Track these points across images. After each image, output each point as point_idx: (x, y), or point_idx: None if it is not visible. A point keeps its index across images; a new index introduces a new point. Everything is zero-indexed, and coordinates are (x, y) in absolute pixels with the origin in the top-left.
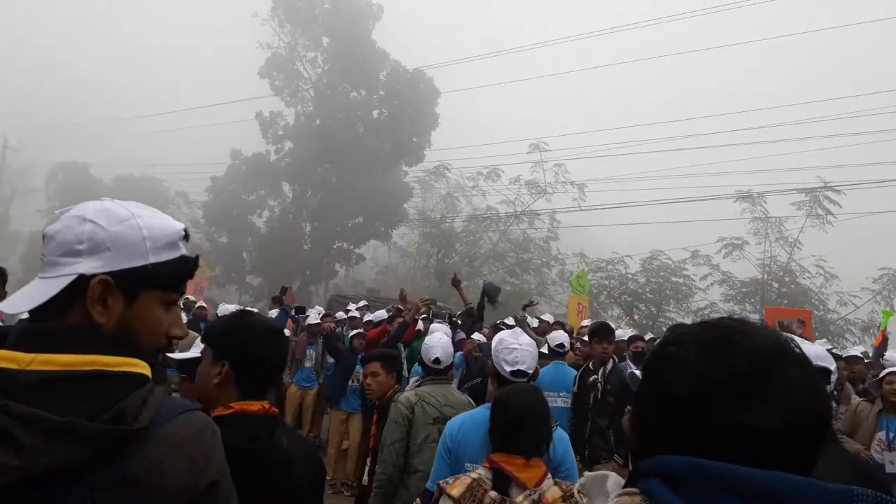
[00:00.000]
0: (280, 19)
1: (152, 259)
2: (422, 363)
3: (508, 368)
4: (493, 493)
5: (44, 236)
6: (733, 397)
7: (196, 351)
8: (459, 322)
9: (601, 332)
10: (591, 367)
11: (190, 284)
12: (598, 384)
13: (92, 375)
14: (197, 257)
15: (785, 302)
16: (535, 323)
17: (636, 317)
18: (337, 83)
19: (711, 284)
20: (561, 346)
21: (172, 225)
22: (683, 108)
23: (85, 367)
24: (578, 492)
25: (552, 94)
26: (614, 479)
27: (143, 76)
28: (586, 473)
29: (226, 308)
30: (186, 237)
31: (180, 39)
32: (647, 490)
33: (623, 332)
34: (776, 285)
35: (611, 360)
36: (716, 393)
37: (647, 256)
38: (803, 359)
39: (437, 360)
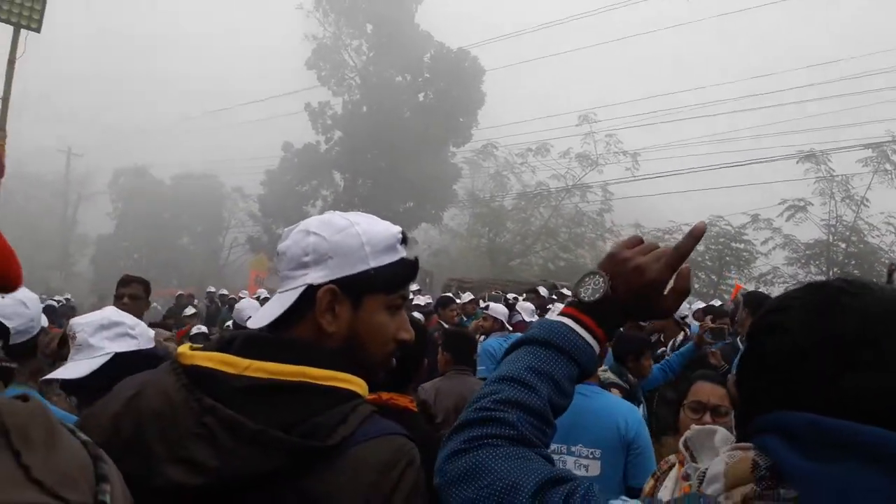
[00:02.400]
0: (324, 9)
1: (373, 263)
2: None
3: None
4: None
5: (277, 254)
6: (840, 362)
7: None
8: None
9: None
10: (660, 339)
11: (251, 275)
12: (667, 356)
13: (297, 387)
14: (416, 259)
15: (852, 262)
16: None
17: (696, 285)
18: (382, 69)
19: (773, 248)
20: None
21: (389, 229)
22: (740, 69)
23: (291, 378)
24: (684, 446)
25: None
26: (722, 434)
27: (192, 75)
28: (693, 427)
29: None
30: (405, 240)
31: (225, 38)
32: (762, 445)
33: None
34: (843, 245)
35: (682, 332)
36: (820, 359)
37: (706, 223)
38: None
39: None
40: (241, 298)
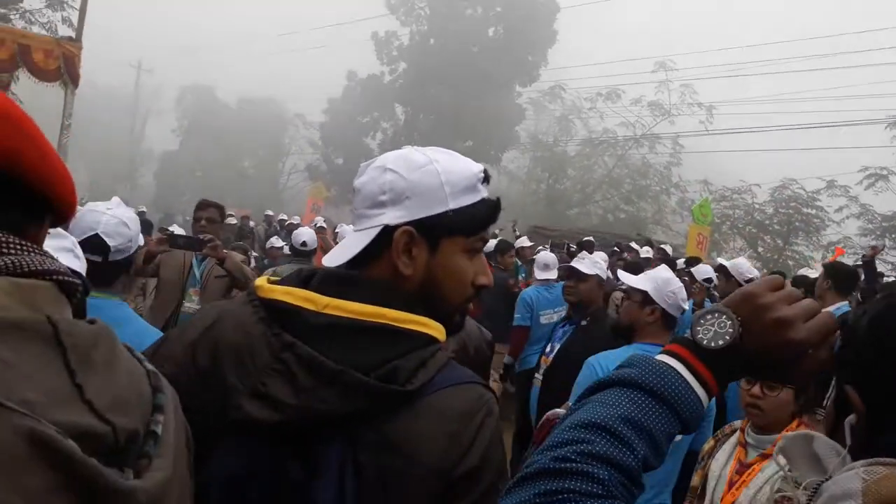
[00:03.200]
0: None
1: (452, 205)
2: None
3: (685, 307)
4: None
5: (354, 189)
6: None
7: None
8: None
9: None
10: None
11: (308, 203)
12: None
13: (376, 328)
14: (498, 199)
15: None
16: (649, 253)
17: (760, 249)
18: (453, 0)
19: (847, 217)
20: (708, 280)
21: (470, 167)
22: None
23: (371, 319)
24: (777, 454)
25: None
26: (824, 442)
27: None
28: (785, 434)
29: (344, 230)
30: (486, 179)
31: None
32: None
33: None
34: None
35: None
36: None
37: (778, 185)
38: None
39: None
40: (297, 224)
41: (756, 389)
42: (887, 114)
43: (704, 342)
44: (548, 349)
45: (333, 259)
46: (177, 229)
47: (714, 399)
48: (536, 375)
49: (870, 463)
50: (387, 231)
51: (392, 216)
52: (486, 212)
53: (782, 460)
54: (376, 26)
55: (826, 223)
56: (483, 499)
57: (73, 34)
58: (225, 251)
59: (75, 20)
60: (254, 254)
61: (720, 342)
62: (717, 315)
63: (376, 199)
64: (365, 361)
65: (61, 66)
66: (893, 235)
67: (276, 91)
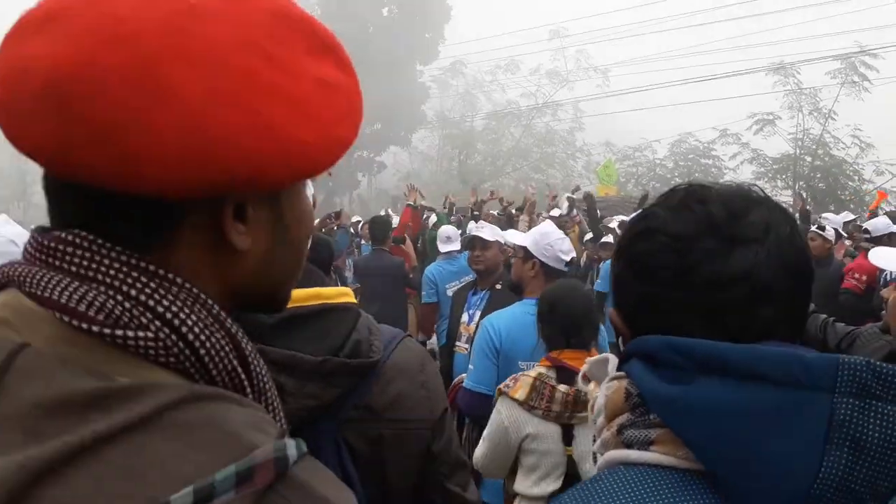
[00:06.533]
0: None
1: None
2: None
3: (565, 258)
4: (562, 387)
5: None
6: (713, 245)
7: None
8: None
9: None
10: None
11: None
12: None
13: (321, 310)
14: None
15: (818, 175)
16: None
17: None
18: None
19: (741, 163)
20: None
21: None
22: None
23: (313, 302)
24: (583, 376)
25: None
26: (614, 362)
27: None
28: (588, 359)
29: None
30: None
31: None
32: (629, 372)
33: None
34: (809, 159)
35: None
36: (695, 245)
37: (676, 140)
38: (773, 201)
39: None
40: None
41: None
42: (769, 61)
43: None
44: (465, 318)
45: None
46: None
47: None
48: (458, 344)
49: (610, 378)
50: None
51: None
52: None
53: (586, 384)
54: None
55: (723, 171)
56: (452, 427)
57: None
58: None
59: None
60: None
61: None
62: None
63: None
64: (331, 344)
65: None
66: (783, 176)
67: None
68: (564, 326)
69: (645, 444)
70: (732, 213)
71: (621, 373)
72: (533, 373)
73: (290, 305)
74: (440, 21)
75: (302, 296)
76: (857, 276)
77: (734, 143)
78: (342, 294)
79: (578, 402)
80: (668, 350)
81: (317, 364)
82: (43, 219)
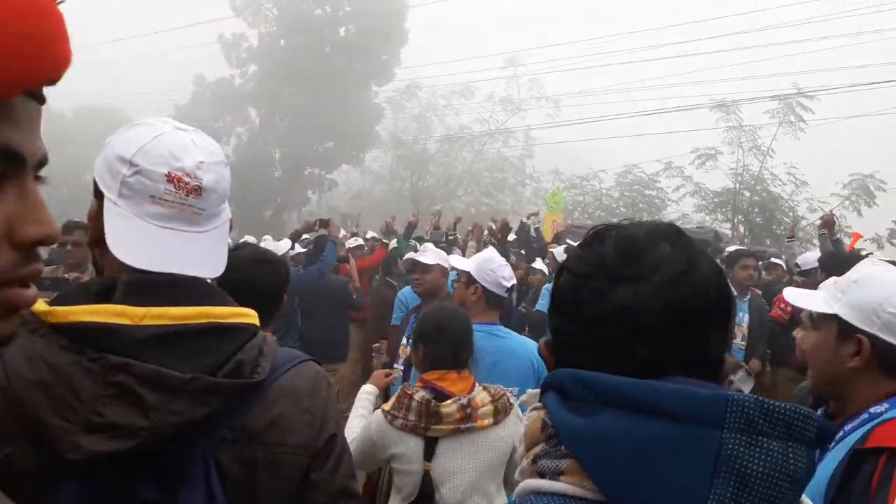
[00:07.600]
0: None
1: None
2: None
3: (507, 284)
4: (419, 395)
5: (200, 189)
6: (599, 284)
7: None
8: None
9: None
10: None
11: None
12: None
13: (207, 329)
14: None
15: (756, 210)
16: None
17: None
18: (301, 1)
19: (683, 196)
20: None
21: None
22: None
23: (199, 321)
24: (519, 404)
25: (528, 6)
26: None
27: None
28: (528, 391)
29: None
30: None
31: None
32: (544, 403)
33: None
34: (747, 194)
35: None
36: (588, 283)
37: (622, 170)
38: (684, 240)
39: None
40: None
41: None
42: (710, 98)
43: None
44: (404, 341)
45: (214, 270)
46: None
47: None
48: (396, 366)
49: (531, 408)
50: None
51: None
52: None
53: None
54: (222, 29)
55: (666, 203)
56: (341, 455)
57: None
58: None
59: None
60: None
61: None
62: None
63: (226, 193)
64: (209, 363)
65: None
66: (723, 210)
67: (116, 99)
68: (453, 346)
69: (556, 475)
70: (624, 253)
71: (539, 403)
72: (409, 390)
73: (172, 322)
74: (397, 44)
75: (188, 314)
76: (782, 306)
77: (677, 175)
78: (238, 314)
79: (432, 414)
80: (574, 383)
81: (184, 381)
82: None
